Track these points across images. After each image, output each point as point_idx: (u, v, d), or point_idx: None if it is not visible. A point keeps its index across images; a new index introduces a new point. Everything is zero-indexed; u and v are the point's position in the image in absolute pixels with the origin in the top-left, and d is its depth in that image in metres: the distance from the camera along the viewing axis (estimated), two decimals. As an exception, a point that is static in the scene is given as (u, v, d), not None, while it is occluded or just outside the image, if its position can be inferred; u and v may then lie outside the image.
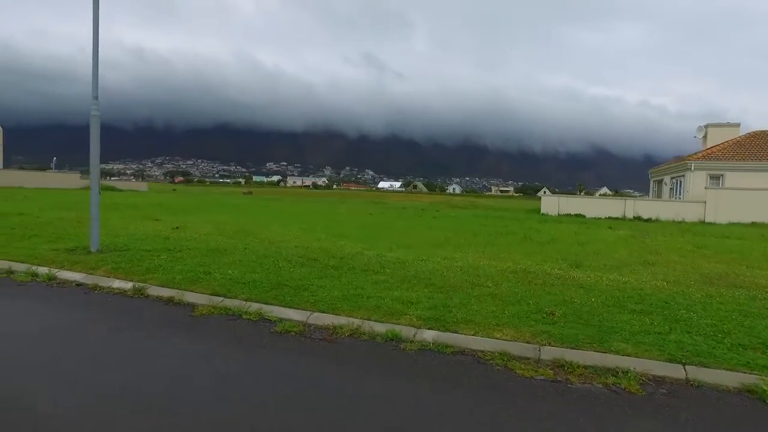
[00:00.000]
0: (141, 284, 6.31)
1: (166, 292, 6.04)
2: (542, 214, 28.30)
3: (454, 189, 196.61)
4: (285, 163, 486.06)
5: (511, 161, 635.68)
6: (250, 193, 65.50)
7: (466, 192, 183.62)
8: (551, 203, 28.95)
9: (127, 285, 6.34)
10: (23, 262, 7.39)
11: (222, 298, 5.83)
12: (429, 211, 30.16)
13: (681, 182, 29.75)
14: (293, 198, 49.75)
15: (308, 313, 5.49)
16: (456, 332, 5.06)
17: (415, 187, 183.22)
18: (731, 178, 27.38)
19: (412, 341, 4.90)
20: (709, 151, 29.57)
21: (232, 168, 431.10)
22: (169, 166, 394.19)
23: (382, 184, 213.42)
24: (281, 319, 5.34)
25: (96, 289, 6.30)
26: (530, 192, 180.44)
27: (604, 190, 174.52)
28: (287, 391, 3.70)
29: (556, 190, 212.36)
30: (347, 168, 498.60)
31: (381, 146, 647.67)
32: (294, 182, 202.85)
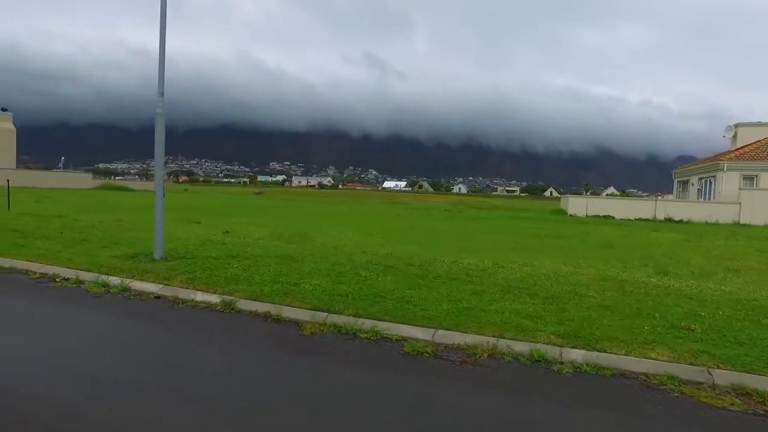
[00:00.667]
0: (227, 297, 5.79)
1: (259, 307, 5.52)
2: (570, 215, 27.71)
3: (459, 189, 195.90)
4: (288, 163, 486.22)
5: (514, 161, 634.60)
6: (262, 193, 65.03)
7: (472, 192, 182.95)
8: (579, 204, 28.37)
9: (212, 298, 5.82)
10: (88, 271, 6.88)
11: (326, 314, 5.30)
12: (453, 212, 29.65)
13: (711, 183, 29.14)
14: (307, 198, 49.24)
15: (431, 330, 4.96)
16: (604, 351, 4.54)
17: (420, 187, 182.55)
18: (767, 179, 26.77)
19: (561, 362, 4.38)
20: (741, 151, 28.94)
21: (236, 168, 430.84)
22: (173, 166, 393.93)
23: (387, 184, 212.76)
24: (404, 338, 4.81)
25: (178, 302, 5.78)
26: (536, 192, 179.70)
27: (611, 190, 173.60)
28: (448, 422, 3.20)
29: (562, 190, 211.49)
30: (350, 168, 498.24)
31: (384, 146, 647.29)
32: (299, 182, 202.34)
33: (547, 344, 4.67)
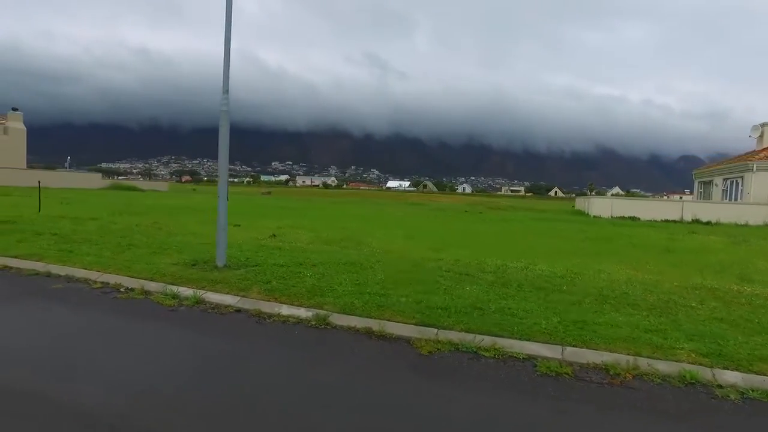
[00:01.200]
0: (318, 311, 5.34)
1: (357, 322, 5.08)
2: (594, 216, 27.24)
3: (464, 189, 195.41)
4: (290, 163, 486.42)
5: (516, 160, 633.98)
6: (269, 193, 64.61)
7: (476, 192, 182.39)
8: (604, 205, 27.89)
9: (301, 312, 5.38)
10: (152, 280, 6.45)
11: (435, 330, 4.86)
12: (474, 213, 29.23)
13: (738, 183, 28.66)
14: (320, 198, 48.81)
15: (558, 347, 4.52)
16: (763, 374, 4.11)
17: (425, 187, 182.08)
18: (797, 179, 26.29)
19: (719, 386, 3.94)
20: (769, 150, 28.47)
21: (238, 167, 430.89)
22: (175, 165, 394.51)
23: (391, 184, 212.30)
24: (531, 356, 4.37)
25: (263, 317, 5.33)
26: (540, 192, 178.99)
27: (616, 190, 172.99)
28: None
29: (566, 190, 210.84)
30: (352, 167, 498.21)
31: (385, 145, 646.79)
32: (303, 182, 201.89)
33: (692, 364, 4.24)
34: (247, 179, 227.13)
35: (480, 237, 13.37)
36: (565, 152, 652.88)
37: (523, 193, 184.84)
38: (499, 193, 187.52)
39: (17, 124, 44.72)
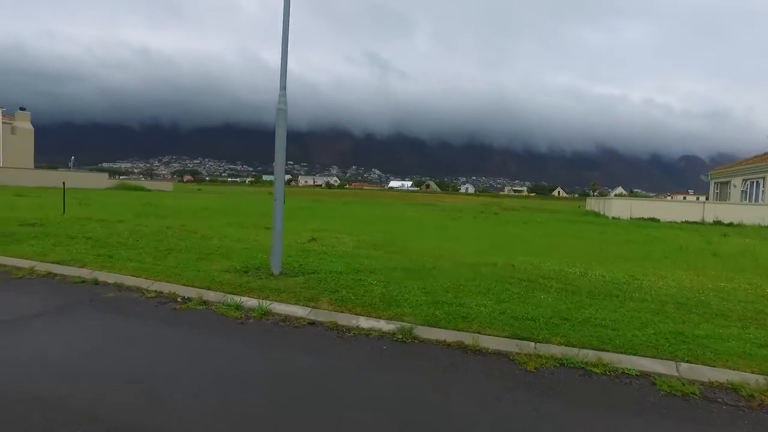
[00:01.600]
0: (398, 323, 5.00)
1: (447, 336, 4.72)
2: (613, 217, 26.90)
3: (467, 189, 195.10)
4: (291, 163, 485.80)
5: (517, 160, 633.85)
6: (276, 193, 64.36)
7: (479, 192, 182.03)
8: (623, 206, 27.55)
9: (381, 324, 5.05)
10: (208, 289, 6.12)
11: (533, 343, 4.50)
12: (489, 214, 28.92)
13: (760, 184, 28.31)
14: (331, 199, 48.50)
15: (671, 363, 4.18)
16: None
17: (428, 187, 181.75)
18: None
19: None
20: (791, 150, 28.10)
21: (239, 167, 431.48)
22: (176, 165, 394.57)
23: (393, 184, 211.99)
24: (645, 373, 4.03)
25: (341, 330, 4.98)
26: (543, 192, 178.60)
27: (619, 190, 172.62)
28: None
29: (567, 189, 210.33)
30: (353, 167, 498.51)
31: (386, 145, 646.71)
32: (306, 181, 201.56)
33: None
34: (249, 179, 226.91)
35: (518, 240, 13.03)
36: (566, 152, 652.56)
37: (525, 193, 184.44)
38: (502, 193, 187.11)
39: (25, 124, 44.42)
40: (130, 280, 6.50)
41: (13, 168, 40.80)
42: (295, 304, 5.63)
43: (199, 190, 63.97)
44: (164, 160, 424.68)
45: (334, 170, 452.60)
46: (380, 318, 5.19)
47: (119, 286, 6.33)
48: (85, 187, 41.45)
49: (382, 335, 4.85)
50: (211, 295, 5.91)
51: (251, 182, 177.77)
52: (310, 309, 5.50)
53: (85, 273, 6.81)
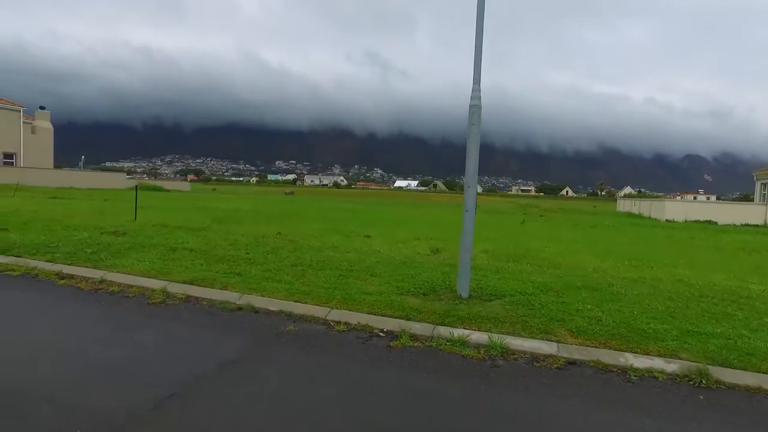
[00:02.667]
0: (683, 362, 4.03)
1: (751, 380, 3.78)
2: (667, 220, 25.88)
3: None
4: (294, 162, 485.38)
5: (519, 159, 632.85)
6: (292, 193, 63.36)
7: (486, 191, 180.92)
8: (677, 209, 26.53)
9: (659, 363, 4.06)
10: (405, 318, 5.10)
11: None
12: (532, 216, 27.92)
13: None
14: (351, 199, 47.52)
15: None
16: None
17: (435, 186, 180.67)
18: None
19: None
20: None
21: (242, 166, 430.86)
22: (179, 165, 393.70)
23: (399, 183, 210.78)
24: None
25: (611, 371, 4.00)
26: (553, 192, 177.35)
27: (628, 189, 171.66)
28: None
29: (575, 189, 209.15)
30: (356, 166, 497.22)
31: (388, 144, 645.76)
32: (312, 181, 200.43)
33: None
34: (253, 178, 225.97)
35: (626, 247, 12.01)
36: (569, 151, 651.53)
37: (533, 192, 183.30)
38: (509, 192, 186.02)
39: (45, 123, 43.40)
40: (296, 308, 5.48)
41: (34, 168, 39.83)
42: (531, 337, 4.64)
43: (214, 190, 62.95)
44: (167, 160, 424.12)
45: (337, 169, 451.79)
46: (649, 355, 4.21)
47: (290, 316, 5.31)
48: (106, 188, 40.44)
49: (669, 377, 3.90)
50: (416, 328, 4.90)
51: (258, 181, 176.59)
52: (555, 344, 4.50)
53: (232, 297, 5.80)
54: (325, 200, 41.31)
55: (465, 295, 5.75)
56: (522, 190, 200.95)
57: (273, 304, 5.57)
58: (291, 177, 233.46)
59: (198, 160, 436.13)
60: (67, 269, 7.02)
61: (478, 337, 4.66)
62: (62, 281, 6.50)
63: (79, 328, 4.77)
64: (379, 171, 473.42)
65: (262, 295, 5.84)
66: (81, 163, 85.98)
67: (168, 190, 47.96)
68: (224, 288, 6.10)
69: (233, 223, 13.03)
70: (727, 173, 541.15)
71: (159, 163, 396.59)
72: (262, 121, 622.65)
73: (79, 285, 6.32)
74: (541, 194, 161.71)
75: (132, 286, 6.25)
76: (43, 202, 18.99)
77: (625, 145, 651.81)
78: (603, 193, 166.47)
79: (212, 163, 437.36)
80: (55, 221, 11.87)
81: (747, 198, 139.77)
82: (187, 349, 4.29)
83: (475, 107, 5.64)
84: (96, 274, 6.76)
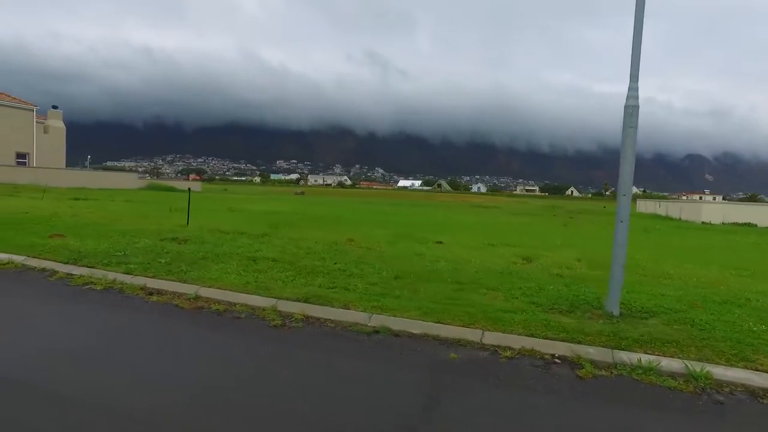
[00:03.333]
0: None
1: None
2: (703, 222, 25.30)
3: (479, 188, 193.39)
4: (295, 161, 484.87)
5: (521, 159, 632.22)
6: (303, 193, 62.74)
7: (491, 191, 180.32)
8: (714, 211, 25.94)
9: None
10: (568, 341, 4.55)
11: None
12: (563, 218, 27.34)
13: None
14: (362, 199, 46.93)
15: None
16: None
17: (439, 186, 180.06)
18: None
19: None
20: None
21: (243, 166, 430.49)
22: (180, 164, 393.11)
23: (403, 183, 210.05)
24: None
25: None
26: (559, 191, 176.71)
27: (633, 189, 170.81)
28: None
29: (578, 189, 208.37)
30: (357, 166, 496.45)
31: (389, 144, 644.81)
32: (315, 180, 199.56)
33: None
34: (255, 178, 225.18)
35: (712, 254, 11.43)
36: (570, 150, 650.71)
37: (537, 192, 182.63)
38: (514, 192, 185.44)
39: (57, 123, 42.77)
40: (442, 330, 4.93)
41: (47, 168, 39.24)
42: (729, 365, 4.09)
43: (225, 190, 62.32)
44: (168, 159, 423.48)
45: (338, 169, 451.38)
46: None
47: (438, 339, 4.76)
48: (117, 188, 39.86)
49: None
50: (591, 353, 4.38)
51: (261, 181, 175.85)
52: (755, 372, 3.94)
53: (360, 318, 5.23)
54: (340, 201, 40.71)
55: (616, 312, 5.20)
56: (527, 190, 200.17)
57: (412, 326, 5.01)
58: (294, 176, 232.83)
59: (199, 160, 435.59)
60: (152, 283, 6.45)
61: (668, 364, 4.10)
62: (152, 297, 5.93)
63: (210, 363, 4.11)
64: (380, 170, 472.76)
65: (393, 315, 5.28)
66: (87, 163, 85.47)
67: (181, 191, 47.41)
68: (345, 306, 5.52)
69: (287, 227, 12.42)
70: (728, 173, 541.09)
71: (160, 162, 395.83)
72: (262, 120, 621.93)
73: (175, 303, 5.75)
74: (545, 194, 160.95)
75: (234, 304, 5.68)
76: (71, 204, 18.40)
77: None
78: (608, 193, 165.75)
79: (213, 162, 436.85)
80: (102, 225, 11.29)
81: (754, 198, 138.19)
82: (361, 389, 3.72)
83: (632, 107, 5.09)
84: (186, 289, 6.19)
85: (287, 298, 5.76)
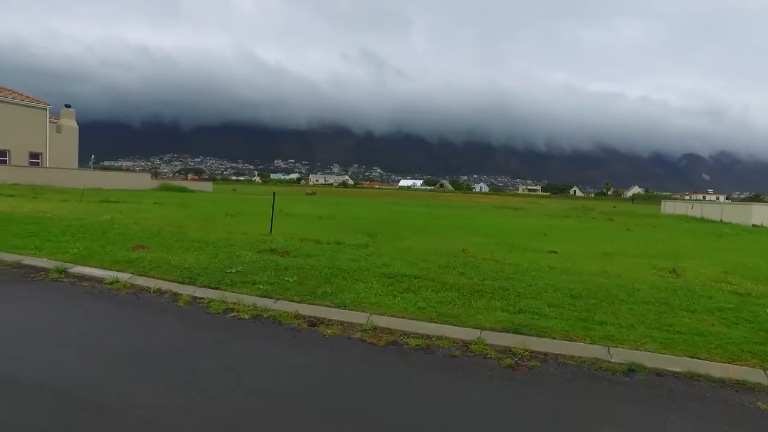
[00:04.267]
0: None
1: None
2: (754, 225, 24.52)
3: (481, 188, 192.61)
4: (293, 161, 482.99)
5: (518, 158, 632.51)
6: (314, 193, 61.68)
7: (493, 191, 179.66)
8: (765, 213, 25.15)
9: None
10: None
11: None
12: (599, 219, 26.53)
13: None
14: (377, 200, 45.99)
15: None
16: None
17: (441, 186, 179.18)
18: None
19: None
20: None
21: (240, 165, 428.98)
22: (178, 163, 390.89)
23: (404, 183, 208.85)
24: None
25: None
26: (556, 191, 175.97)
27: (636, 189, 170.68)
28: None
29: (580, 188, 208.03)
30: (355, 165, 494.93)
31: (387, 143, 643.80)
32: (316, 180, 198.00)
33: None
34: (255, 178, 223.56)
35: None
36: (567, 150, 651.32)
37: (539, 192, 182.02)
38: (518, 192, 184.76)
39: (70, 122, 41.60)
40: (712, 369, 4.08)
41: (60, 168, 38.14)
42: None
43: (234, 190, 61.23)
44: (165, 159, 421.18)
45: (336, 168, 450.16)
46: None
47: (709, 380, 3.87)
48: (130, 189, 38.77)
49: None
50: None
51: (263, 181, 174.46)
52: None
53: (596, 351, 4.38)
54: (357, 201, 39.72)
55: None
56: (530, 190, 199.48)
57: (668, 362, 4.17)
58: (294, 176, 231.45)
59: (197, 159, 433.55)
60: (304, 309, 5.54)
61: None
62: (319, 329, 5.03)
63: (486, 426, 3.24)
64: (378, 170, 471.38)
65: (632, 348, 4.42)
66: (91, 163, 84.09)
67: (193, 191, 46.31)
68: (567, 337, 4.64)
69: (379, 235, 11.44)
70: (725, 172, 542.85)
71: (158, 161, 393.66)
72: (260, 119, 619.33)
73: (358, 336, 4.83)
74: (548, 194, 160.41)
75: (430, 337, 4.79)
76: (105, 208, 17.33)
77: (623, 144, 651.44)
78: (610, 192, 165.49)
79: (211, 162, 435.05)
80: (174, 234, 10.31)
81: (758, 198, 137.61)
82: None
83: None
84: (354, 317, 5.29)
85: (491, 329, 4.86)
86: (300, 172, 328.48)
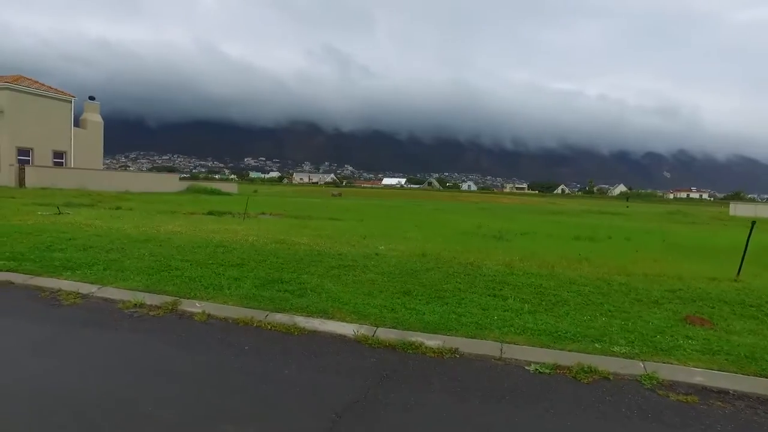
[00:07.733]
0: None
1: None
2: None
3: (469, 186, 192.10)
4: (264, 159, 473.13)
5: (487, 156, 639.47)
6: (340, 194, 58.64)
7: (481, 190, 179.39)
8: None
9: None
10: None
11: None
12: (712, 224, 24.93)
13: None
14: (407, 201, 43.56)
15: None
16: None
17: (430, 184, 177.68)
18: None
19: None
20: None
21: (210, 163, 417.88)
22: (144, 161, 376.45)
23: (387, 181, 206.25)
24: None
25: None
26: (542, 190, 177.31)
27: (621, 187, 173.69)
28: None
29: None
30: (326, 163, 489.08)
31: (357, 141, 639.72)
32: (301, 179, 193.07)
33: None
34: (231, 176, 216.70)
35: None
36: (533, 148, 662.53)
37: (525, 190, 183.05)
38: (505, 190, 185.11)
39: (95, 116, 37.31)
40: None
41: (84, 169, 34.07)
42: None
43: (255, 192, 57.47)
44: (131, 156, 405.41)
45: (307, 166, 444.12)
46: None
47: None
48: (157, 191, 35.04)
49: None
50: None
51: (234, 180, 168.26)
52: None
53: None
54: (386, 204, 37.10)
55: None
56: (517, 188, 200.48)
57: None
58: (275, 174, 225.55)
59: (164, 157, 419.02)
60: None
61: None
62: None
63: None
64: (350, 168, 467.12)
65: None
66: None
67: (224, 193, 42.67)
68: None
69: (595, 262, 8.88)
70: (684, 170, 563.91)
71: (123, 159, 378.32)
72: (229, 117, 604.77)
73: None
74: (535, 192, 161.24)
75: None
76: (198, 223, 13.95)
77: (588, 142, 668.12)
78: (596, 190, 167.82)
79: (179, 159, 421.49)
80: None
81: (738, 197, 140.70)
82: None
83: None
84: None
85: None
86: (272, 170, 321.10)
